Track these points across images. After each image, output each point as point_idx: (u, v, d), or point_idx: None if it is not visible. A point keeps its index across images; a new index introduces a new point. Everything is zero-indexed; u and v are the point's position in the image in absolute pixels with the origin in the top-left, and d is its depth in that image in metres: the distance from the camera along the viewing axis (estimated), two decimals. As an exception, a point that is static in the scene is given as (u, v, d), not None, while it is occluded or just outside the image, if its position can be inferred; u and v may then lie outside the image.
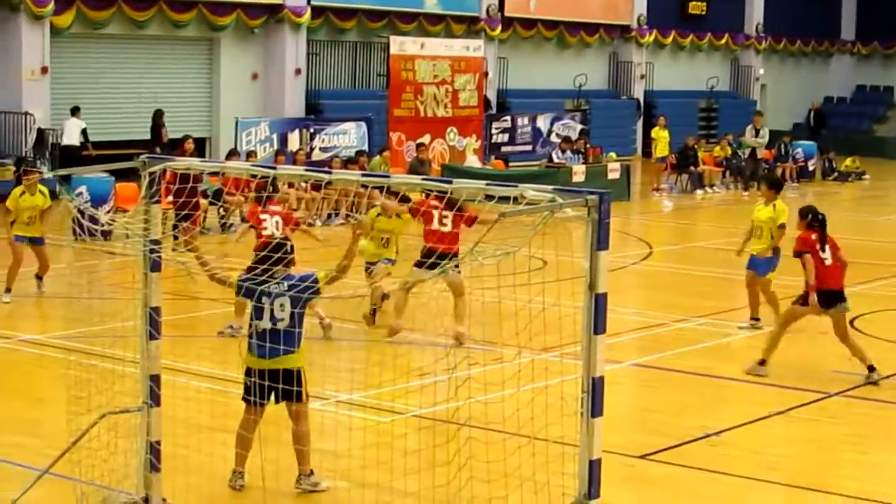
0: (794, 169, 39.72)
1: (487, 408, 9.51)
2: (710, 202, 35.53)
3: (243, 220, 16.61)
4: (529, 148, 41.88)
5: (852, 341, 14.80)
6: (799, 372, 15.02)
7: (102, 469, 9.78)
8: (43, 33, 31.71)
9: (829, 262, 14.59)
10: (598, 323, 7.85)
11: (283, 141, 33.27)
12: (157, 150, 29.66)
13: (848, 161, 42.95)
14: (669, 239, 28.46)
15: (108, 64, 34.27)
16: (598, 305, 7.82)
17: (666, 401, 14.11)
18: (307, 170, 10.57)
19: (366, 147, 33.99)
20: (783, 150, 40.11)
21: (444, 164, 34.61)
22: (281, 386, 9.98)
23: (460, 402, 9.08)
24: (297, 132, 34.08)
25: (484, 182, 8.25)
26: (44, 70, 31.73)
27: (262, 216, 16.15)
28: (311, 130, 34.53)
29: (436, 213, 15.74)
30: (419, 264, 15.58)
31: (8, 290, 18.23)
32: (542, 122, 42.57)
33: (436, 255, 15.07)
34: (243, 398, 10.25)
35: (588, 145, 35.74)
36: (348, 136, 35.12)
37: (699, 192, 36.79)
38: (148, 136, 32.31)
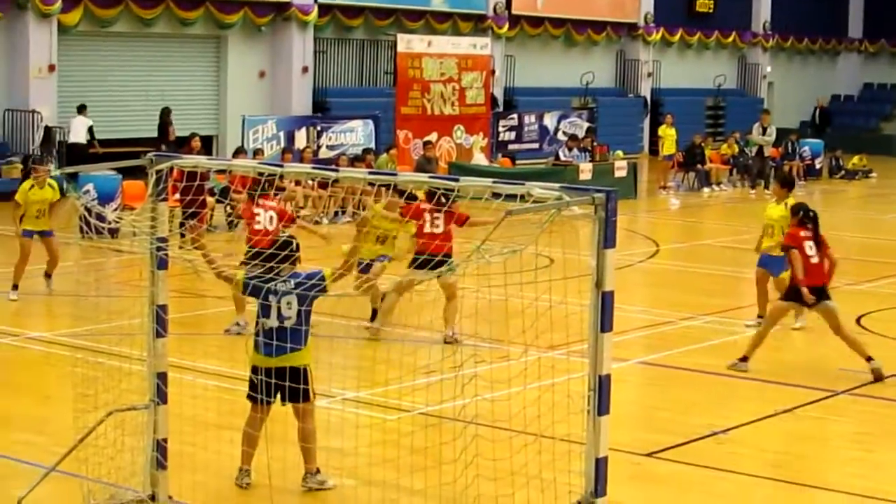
0: (801, 167, 39.67)
1: (494, 405, 9.51)
2: (717, 200, 35.50)
3: (239, 217, 16.57)
4: (536, 146, 41.87)
5: (847, 334, 14.87)
6: (806, 370, 15.01)
7: (109, 467, 9.79)
8: (50, 31, 31.73)
9: (814, 259, 14.81)
10: (604, 321, 7.85)
11: (290, 139, 33.28)
12: (164, 147, 29.68)
13: (855, 159, 42.92)
14: (676, 237, 28.44)
15: (116, 62, 34.29)
16: (605, 303, 7.82)
17: (673, 399, 14.10)
18: (314, 168, 10.56)
19: (373, 145, 33.97)
20: (790, 148, 40.06)
21: (451, 161, 34.64)
22: (288, 384, 9.97)
23: (467, 400, 9.07)
24: (304, 130, 34.10)
25: (491, 180, 8.25)
26: (51, 68, 31.76)
27: (256, 210, 16.09)
28: (318, 128, 34.54)
29: (427, 215, 15.79)
30: (414, 266, 15.65)
31: (15, 286, 18.24)
32: (549, 120, 42.55)
33: (430, 257, 15.13)
34: (248, 396, 10.25)
35: (595, 143, 35.74)
36: (355, 133, 35.13)
37: (706, 189, 36.76)
38: (155, 134, 32.32)
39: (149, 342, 9.83)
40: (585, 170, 32.06)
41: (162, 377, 9.83)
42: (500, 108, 41.93)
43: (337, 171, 9.85)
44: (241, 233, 17.93)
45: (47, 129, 31.15)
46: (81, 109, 31.30)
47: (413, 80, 35.27)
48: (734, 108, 51.36)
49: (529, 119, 41.93)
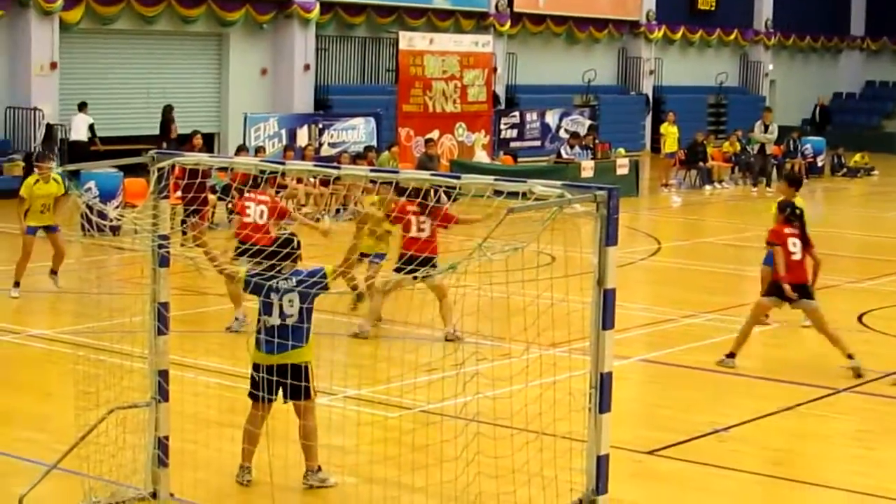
0: (803, 165, 39.68)
1: (495, 403, 9.51)
2: (719, 198, 35.49)
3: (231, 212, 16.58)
4: (538, 143, 41.86)
5: (830, 332, 14.90)
6: (807, 368, 15.01)
7: (111, 464, 9.79)
8: (52, 29, 31.72)
9: (796, 256, 14.89)
10: (606, 318, 7.85)
11: (292, 136, 33.29)
12: (165, 145, 29.69)
13: (857, 157, 42.92)
14: (678, 234, 28.43)
15: (117, 59, 34.29)
16: (607, 301, 7.82)
17: (674, 396, 14.10)
18: (316, 165, 10.57)
19: (374, 142, 33.97)
20: (792, 146, 40.07)
21: (453, 159, 34.63)
22: (289, 382, 9.97)
23: (468, 398, 9.07)
24: (305, 128, 34.12)
25: (492, 178, 8.25)
26: (53, 65, 31.76)
27: (247, 203, 16.07)
28: (320, 126, 34.56)
29: (413, 219, 15.74)
30: (398, 270, 15.59)
31: (16, 283, 18.24)
32: (551, 118, 42.55)
33: (415, 261, 15.05)
34: (250, 394, 10.25)
35: (597, 141, 35.74)
36: (357, 131, 35.14)
37: (708, 187, 36.75)
38: (156, 132, 32.31)
39: (150, 340, 9.83)
40: (587, 167, 32.05)
41: (163, 375, 9.84)
42: (502, 106, 41.92)
43: (339, 168, 9.85)
44: (232, 227, 17.89)
45: (49, 127, 31.15)
46: (82, 107, 31.30)
47: (415, 77, 35.26)
48: (736, 106, 51.35)
49: (531, 117, 41.93)
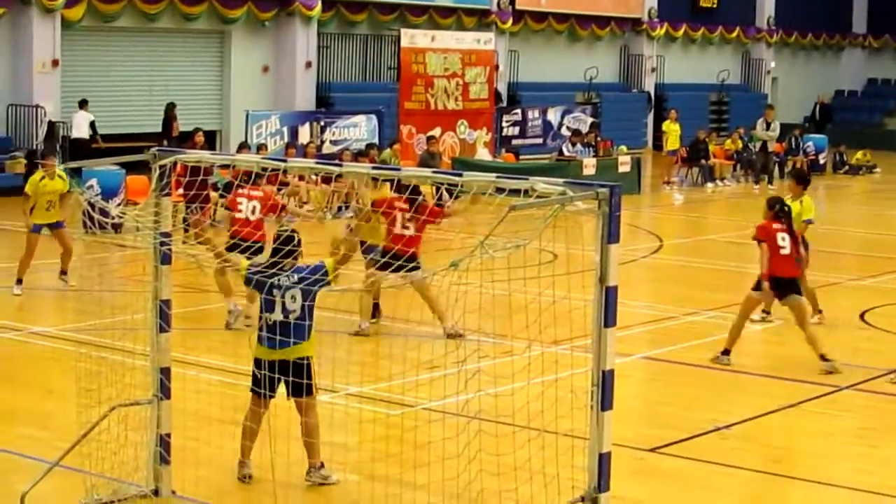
0: (805, 162, 39.66)
1: (497, 401, 9.51)
2: (721, 195, 35.48)
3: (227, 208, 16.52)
4: (540, 141, 41.87)
5: (809, 331, 14.91)
6: (809, 365, 14.98)
7: (112, 461, 9.79)
8: (54, 26, 31.72)
9: (785, 251, 14.91)
10: (608, 316, 7.85)
11: (294, 134, 33.28)
12: (166, 143, 29.69)
13: (859, 154, 42.90)
14: (680, 232, 28.43)
15: (119, 57, 34.28)
16: (609, 298, 7.82)
17: (676, 394, 14.10)
18: (318, 163, 10.56)
19: (376, 140, 33.98)
20: (794, 144, 40.07)
21: (455, 157, 34.62)
22: (291, 379, 9.97)
23: (470, 395, 9.08)
24: (307, 125, 34.11)
25: (494, 175, 8.25)
26: (55, 63, 31.75)
27: (239, 199, 16.04)
28: (322, 123, 34.55)
29: (399, 215, 15.66)
30: (380, 266, 15.49)
31: (19, 281, 18.24)
32: (553, 116, 42.55)
33: (395, 258, 14.91)
34: (252, 390, 10.25)
35: (598, 138, 35.74)
36: (359, 129, 35.14)
37: (710, 185, 36.73)
38: (158, 129, 32.33)
39: (152, 337, 9.83)
40: (589, 165, 32.03)
41: (165, 372, 9.84)
42: (504, 104, 41.93)
43: (340, 166, 9.85)
44: (223, 224, 17.83)
45: (51, 124, 31.15)
46: (83, 104, 31.30)
47: (417, 75, 35.26)
48: (738, 104, 51.34)
49: (533, 114, 41.92)
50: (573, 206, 7.69)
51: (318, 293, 10.11)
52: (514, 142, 40.42)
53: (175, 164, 9.78)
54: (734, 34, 53.27)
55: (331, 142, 34.25)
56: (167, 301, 9.80)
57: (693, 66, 51.59)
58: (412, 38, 35.63)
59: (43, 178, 18.39)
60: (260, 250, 14.07)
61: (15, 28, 31.51)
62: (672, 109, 39.66)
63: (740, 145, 38.52)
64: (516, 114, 41.54)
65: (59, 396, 12.02)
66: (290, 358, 9.97)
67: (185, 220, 18.46)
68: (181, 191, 18.49)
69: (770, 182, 36.69)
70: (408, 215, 15.56)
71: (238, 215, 15.83)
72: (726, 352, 15.03)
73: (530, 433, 9.01)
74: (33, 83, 31.39)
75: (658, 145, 42.86)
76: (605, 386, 7.89)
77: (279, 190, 17.00)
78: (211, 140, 33.78)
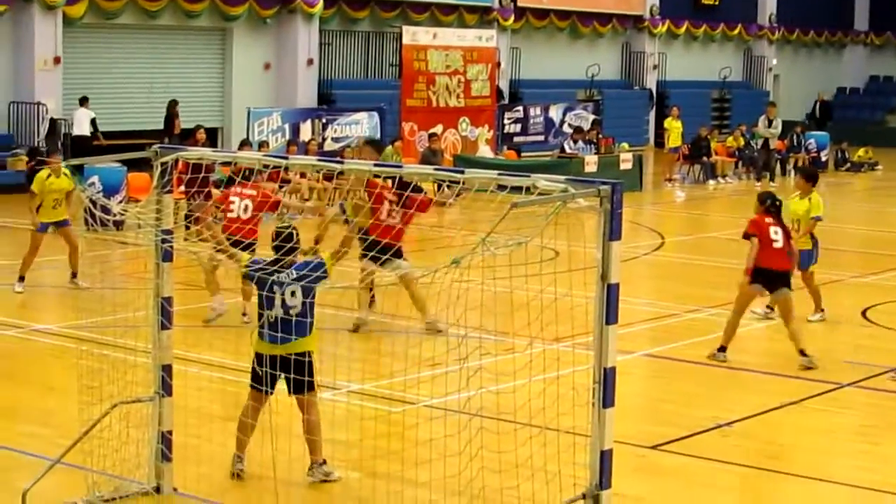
0: (807, 159, 39.66)
1: (499, 398, 9.51)
2: (723, 192, 35.47)
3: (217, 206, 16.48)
4: (542, 138, 41.87)
5: (793, 327, 14.90)
6: (811, 362, 14.99)
7: (114, 459, 9.79)
8: (56, 23, 31.73)
9: (777, 244, 14.96)
10: (609, 313, 7.85)
11: (296, 131, 33.29)
12: (167, 140, 29.68)
13: (861, 151, 42.89)
14: (682, 229, 28.42)
15: (121, 54, 34.29)
16: (610, 296, 7.82)
17: (678, 391, 14.09)
18: (319, 160, 10.56)
19: (378, 137, 33.97)
20: (796, 141, 40.05)
21: (457, 154, 34.63)
22: (292, 376, 9.96)
23: (472, 392, 9.07)
24: (309, 122, 34.11)
25: (496, 172, 8.25)
26: (56, 60, 31.76)
27: (232, 198, 16.02)
28: (324, 120, 34.55)
29: (386, 204, 15.60)
30: (363, 256, 15.48)
31: (21, 278, 18.24)
32: (555, 113, 42.54)
33: (378, 247, 14.88)
34: (251, 385, 10.23)
35: (600, 135, 35.71)
36: (360, 126, 35.13)
37: (711, 182, 36.74)
38: (160, 127, 32.34)
39: (154, 334, 9.83)
40: (591, 162, 32.03)
41: (167, 369, 9.84)
42: (506, 101, 41.93)
43: (342, 163, 9.84)
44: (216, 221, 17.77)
45: (52, 122, 31.16)
46: (83, 101, 31.29)
47: (418, 72, 35.25)
48: (740, 101, 51.34)
49: (535, 111, 41.91)
50: (575, 204, 7.68)
51: (318, 291, 10.12)
52: (516, 139, 40.43)
53: (177, 161, 9.77)
54: (736, 31, 53.25)
55: (332, 139, 34.25)
56: (169, 298, 9.80)
57: (695, 64, 51.57)
58: (414, 35, 35.63)
59: (49, 175, 18.35)
60: (252, 250, 14.05)
61: (16, 25, 31.52)
62: (674, 106, 39.68)
63: (742, 142, 38.52)
64: (518, 111, 41.53)
65: (61, 394, 12.02)
66: (291, 353, 9.96)
67: (187, 217, 18.47)
68: (183, 188, 18.53)
69: (772, 179, 36.67)
70: (395, 207, 15.50)
71: (230, 214, 15.81)
72: (722, 348, 15.02)
73: (532, 430, 9.01)
74: (35, 80, 31.40)
75: (660, 142, 42.84)
76: (606, 383, 7.89)
77: (281, 187, 16.97)
78: (212, 137, 33.80)
